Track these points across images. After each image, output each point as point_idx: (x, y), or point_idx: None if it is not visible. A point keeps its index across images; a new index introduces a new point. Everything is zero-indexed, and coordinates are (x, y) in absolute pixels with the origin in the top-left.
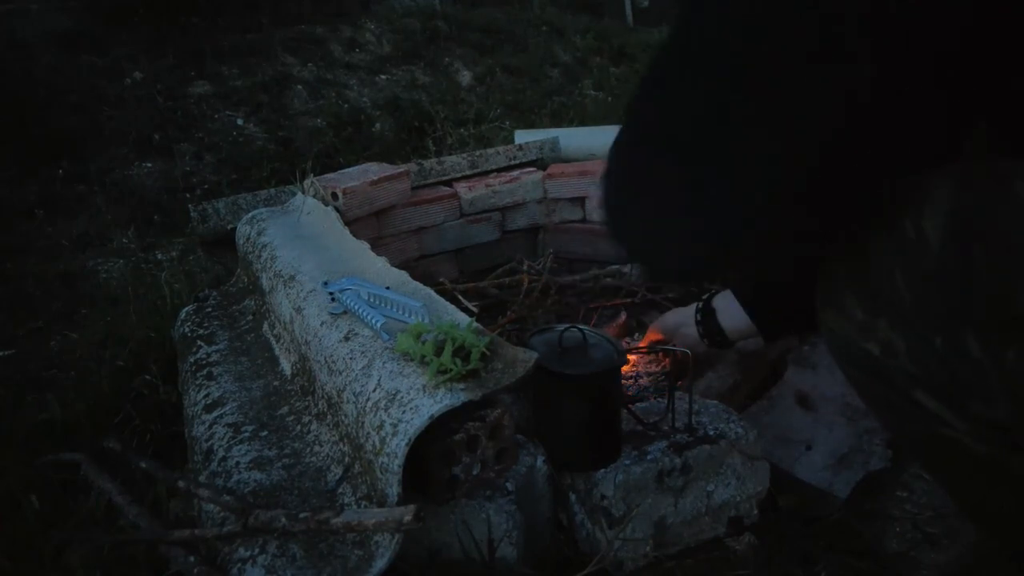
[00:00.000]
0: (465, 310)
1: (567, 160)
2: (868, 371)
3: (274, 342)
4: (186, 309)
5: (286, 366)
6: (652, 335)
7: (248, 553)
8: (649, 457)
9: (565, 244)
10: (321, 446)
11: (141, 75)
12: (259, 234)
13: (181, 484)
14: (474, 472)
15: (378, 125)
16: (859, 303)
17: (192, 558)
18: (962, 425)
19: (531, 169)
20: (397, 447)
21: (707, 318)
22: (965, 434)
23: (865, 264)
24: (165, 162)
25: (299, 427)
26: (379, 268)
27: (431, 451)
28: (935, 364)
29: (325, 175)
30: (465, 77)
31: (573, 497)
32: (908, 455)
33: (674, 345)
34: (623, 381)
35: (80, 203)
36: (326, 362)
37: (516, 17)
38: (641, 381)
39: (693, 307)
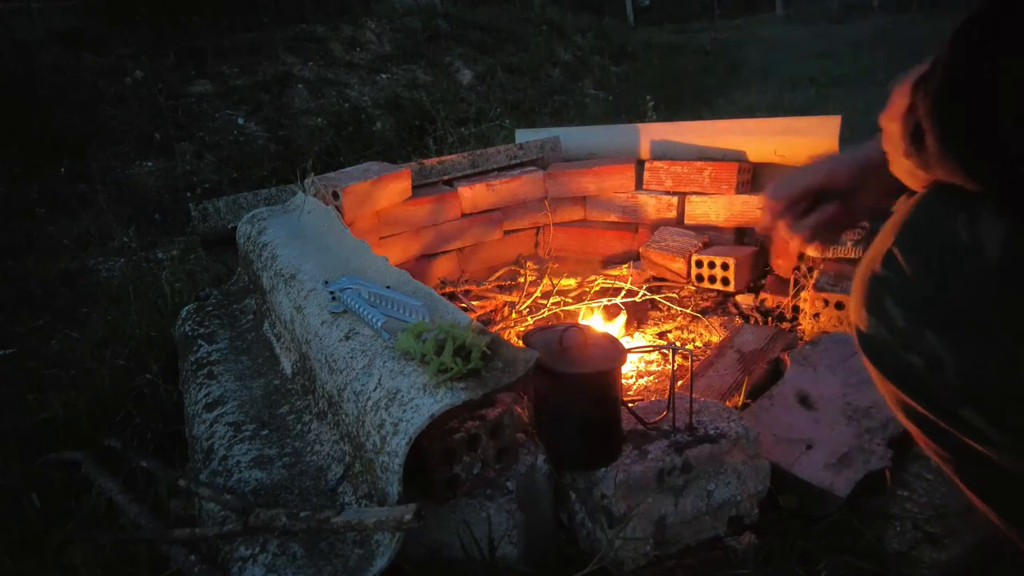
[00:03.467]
0: (465, 309)
1: (568, 159)
2: (908, 384)
3: (275, 341)
4: (187, 308)
5: (287, 365)
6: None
7: (249, 552)
8: (650, 456)
9: (566, 244)
10: (322, 445)
11: (142, 74)
12: (260, 233)
13: (182, 483)
14: (475, 471)
15: (379, 124)
16: (902, 311)
17: (193, 557)
18: (1002, 438)
19: (532, 168)
20: (398, 446)
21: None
22: (1003, 448)
23: (909, 269)
24: (166, 161)
25: (300, 426)
26: (380, 267)
27: (432, 450)
28: (985, 379)
29: (326, 174)
30: (466, 76)
31: (574, 496)
32: (941, 467)
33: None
34: (623, 380)
35: (81, 202)
36: (327, 361)
37: (517, 16)
38: (641, 381)
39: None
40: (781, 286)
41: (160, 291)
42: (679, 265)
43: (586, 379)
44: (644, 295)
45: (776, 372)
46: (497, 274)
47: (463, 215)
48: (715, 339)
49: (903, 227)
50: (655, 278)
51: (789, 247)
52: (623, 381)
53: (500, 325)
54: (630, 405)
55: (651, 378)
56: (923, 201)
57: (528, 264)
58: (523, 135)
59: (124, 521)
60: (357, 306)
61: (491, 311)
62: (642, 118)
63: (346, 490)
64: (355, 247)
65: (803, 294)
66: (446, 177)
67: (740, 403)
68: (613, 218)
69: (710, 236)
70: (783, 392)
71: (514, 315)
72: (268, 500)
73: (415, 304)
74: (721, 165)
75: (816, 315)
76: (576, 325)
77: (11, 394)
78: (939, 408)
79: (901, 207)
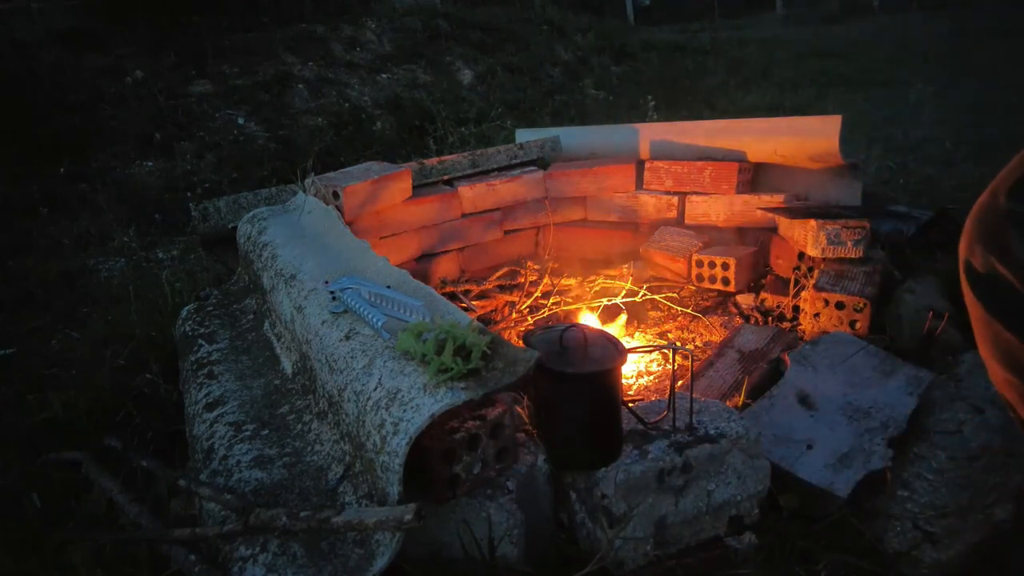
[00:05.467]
0: (466, 309)
1: (568, 159)
2: None
3: (275, 341)
4: (187, 308)
5: (287, 365)
6: None
7: (249, 552)
8: (650, 456)
9: (566, 244)
10: (322, 445)
11: (142, 74)
12: (260, 233)
13: (182, 483)
14: (475, 471)
15: (379, 124)
16: None
17: (193, 556)
18: None
19: (532, 168)
20: (398, 446)
21: None
22: None
23: None
24: (166, 161)
25: (300, 426)
26: (380, 267)
27: (432, 450)
28: None
29: (326, 174)
30: (466, 76)
31: (574, 496)
32: None
33: None
34: (623, 380)
35: (81, 202)
36: (327, 361)
37: (517, 16)
38: (641, 381)
39: None
40: (781, 286)
41: (160, 291)
42: (679, 265)
43: (586, 379)
44: (644, 295)
45: (776, 372)
46: (498, 274)
47: (463, 215)
48: (715, 339)
49: None
50: (655, 278)
51: None
52: (623, 381)
53: (500, 325)
54: (630, 405)
55: (651, 378)
56: None
57: (528, 264)
58: (523, 135)
59: (124, 521)
60: (357, 306)
61: (491, 311)
62: (642, 118)
63: (346, 490)
64: (355, 247)
65: (803, 294)
66: (446, 177)
67: (740, 403)
68: (613, 218)
69: (710, 236)
70: (783, 392)
71: (514, 315)
72: (268, 500)
73: (415, 304)
74: (721, 165)
75: (816, 315)
76: (576, 325)
77: (11, 394)
78: None
79: None
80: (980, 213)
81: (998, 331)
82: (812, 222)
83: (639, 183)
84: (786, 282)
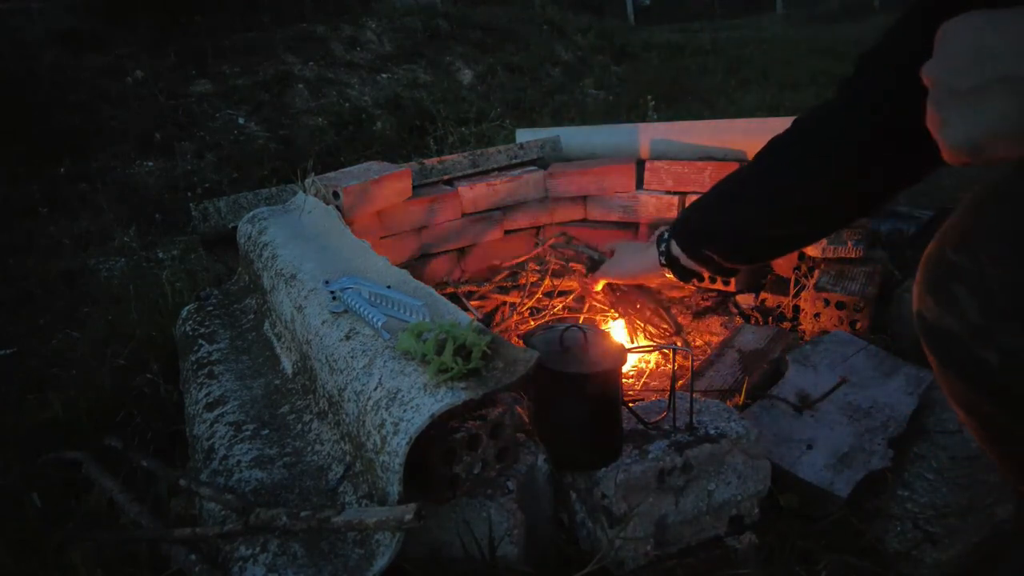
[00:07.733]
0: (466, 309)
1: (568, 159)
2: (977, 382)
3: (275, 341)
4: (187, 308)
5: (287, 365)
6: (608, 279)
7: (249, 551)
8: (650, 456)
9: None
10: (322, 445)
11: (142, 74)
12: (260, 233)
13: (182, 482)
14: (475, 471)
15: (379, 124)
16: (977, 303)
17: (193, 556)
18: None
19: (532, 168)
20: (398, 446)
21: (673, 262)
22: None
23: (991, 255)
24: (166, 161)
25: (300, 426)
26: (380, 267)
27: (432, 450)
28: None
29: (326, 174)
30: (466, 76)
31: (574, 496)
32: (1006, 476)
33: (637, 288)
34: (624, 380)
35: (82, 202)
36: (327, 361)
37: (517, 16)
38: (642, 380)
39: (652, 252)
40: (781, 286)
41: (160, 291)
42: None
43: (587, 379)
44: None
45: (776, 372)
46: (500, 276)
47: (463, 215)
48: (715, 339)
49: (984, 208)
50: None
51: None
52: (623, 381)
53: (501, 326)
54: (630, 405)
55: (651, 378)
56: (1010, 178)
57: (529, 264)
58: (523, 135)
59: (124, 521)
60: (357, 306)
61: (492, 311)
62: (642, 118)
63: (347, 490)
64: (355, 247)
65: (804, 294)
66: (446, 177)
67: (740, 403)
68: (614, 218)
69: None
70: (783, 392)
71: (515, 316)
72: (269, 500)
73: (415, 304)
74: (722, 165)
75: (817, 315)
76: (577, 325)
77: (11, 394)
78: (1014, 410)
79: (978, 188)
80: (929, 264)
81: (951, 378)
82: None
83: (639, 183)
84: (786, 282)
